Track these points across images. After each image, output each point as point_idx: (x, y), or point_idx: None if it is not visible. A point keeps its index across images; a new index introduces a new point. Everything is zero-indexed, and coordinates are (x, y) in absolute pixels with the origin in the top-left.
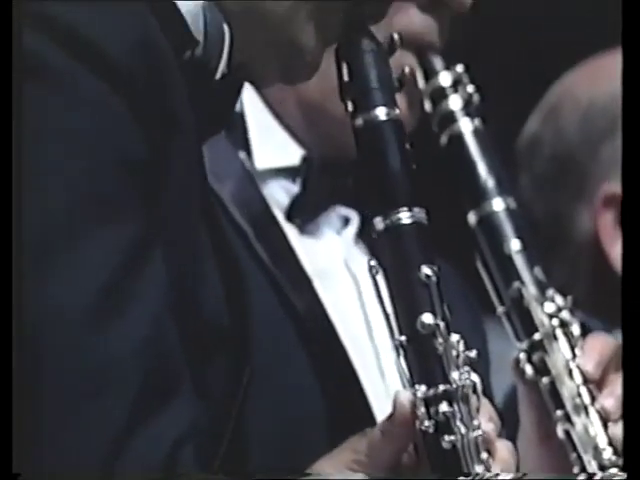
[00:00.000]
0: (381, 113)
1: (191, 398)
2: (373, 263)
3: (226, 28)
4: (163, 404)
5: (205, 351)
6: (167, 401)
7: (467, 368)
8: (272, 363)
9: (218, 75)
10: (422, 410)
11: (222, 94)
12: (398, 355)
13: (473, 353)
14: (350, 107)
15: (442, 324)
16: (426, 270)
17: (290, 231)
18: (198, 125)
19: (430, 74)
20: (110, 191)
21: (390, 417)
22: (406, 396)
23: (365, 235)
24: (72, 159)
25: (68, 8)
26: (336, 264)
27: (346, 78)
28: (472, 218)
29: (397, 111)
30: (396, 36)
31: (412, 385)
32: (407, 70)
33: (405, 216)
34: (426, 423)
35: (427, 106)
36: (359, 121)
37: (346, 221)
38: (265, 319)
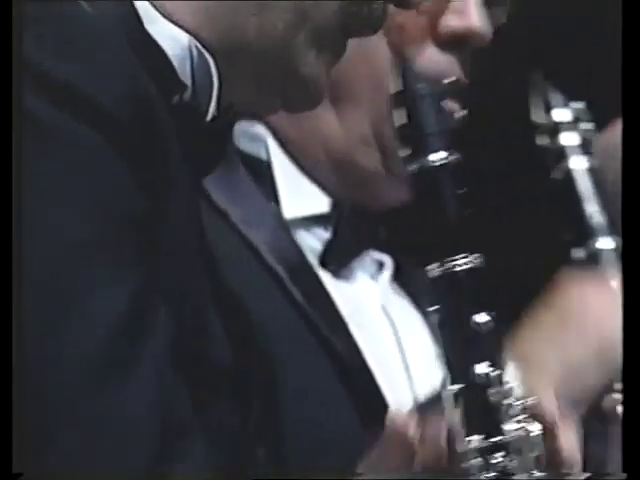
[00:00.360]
0: (436, 158)
1: (204, 451)
2: (431, 310)
3: (214, 70)
4: (177, 458)
5: (214, 395)
6: (180, 454)
7: (524, 416)
8: (311, 404)
9: (209, 117)
10: (478, 461)
11: (213, 136)
12: (455, 403)
13: (531, 399)
14: (405, 152)
15: (496, 373)
16: (480, 318)
17: (325, 277)
18: (192, 170)
19: (547, 108)
20: (110, 243)
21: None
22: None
23: (400, 279)
24: (72, 211)
25: (55, 61)
26: (373, 309)
27: (401, 123)
28: (578, 254)
29: (454, 155)
30: (453, 78)
31: (467, 435)
32: (460, 114)
33: (461, 262)
34: (482, 476)
35: (542, 140)
36: (414, 166)
37: (380, 265)
38: (303, 361)
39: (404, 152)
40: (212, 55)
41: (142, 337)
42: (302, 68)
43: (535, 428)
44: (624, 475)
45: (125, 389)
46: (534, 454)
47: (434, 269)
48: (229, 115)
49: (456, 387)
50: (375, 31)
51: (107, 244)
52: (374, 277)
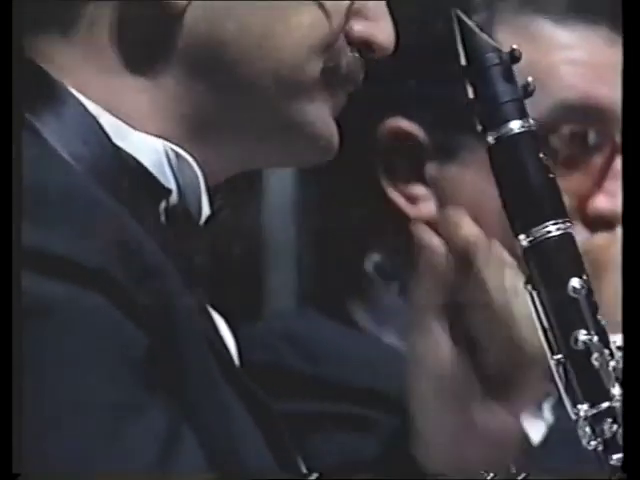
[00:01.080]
0: (514, 126)
1: None
2: (526, 281)
3: (197, 168)
4: None
5: None
6: None
7: None
8: None
9: (202, 219)
10: (587, 430)
11: (210, 240)
12: (559, 375)
13: None
14: (479, 126)
15: (596, 338)
16: (575, 283)
17: None
18: (193, 285)
19: None
20: (124, 392)
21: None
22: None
23: None
24: (81, 371)
25: (38, 233)
26: None
27: (471, 96)
28: None
29: (530, 121)
30: (516, 46)
31: (575, 405)
32: (531, 79)
33: (553, 229)
34: (592, 443)
35: None
36: (491, 139)
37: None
38: None
39: (479, 126)
40: (192, 155)
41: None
42: (301, 124)
43: None
44: (624, 475)
45: None
46: None
47: (524, 240)
48: (223, 213)
49: (559, 357)
50: (356, 85)
51: (121, 392)
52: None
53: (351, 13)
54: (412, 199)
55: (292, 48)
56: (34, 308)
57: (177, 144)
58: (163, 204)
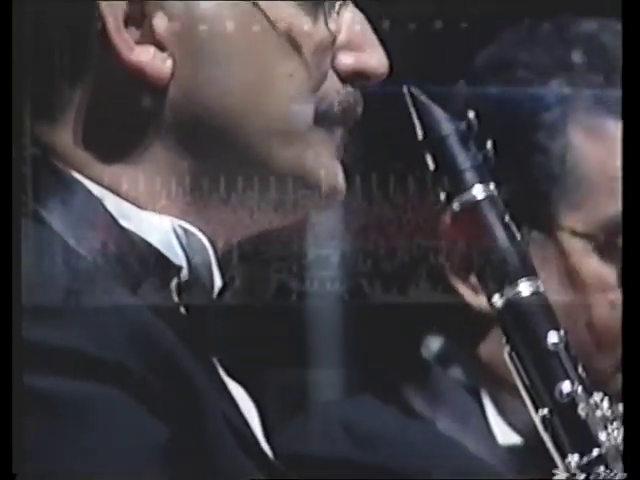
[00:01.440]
0: (477, 192)
1: None
2: (503, 341)
3: (207, 243)
4: None
5: None
6: None
7: (617, 424)
8: None
9: (215, 293)
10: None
11: (222, 314)
12: (546, 429)
13: (620, 407)
14: (442, 196)
15: (580, 388)
16: (553, 337)
17: None
18: (211, 369)
19: None
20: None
21: None
22: None
23: None
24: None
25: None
26: None
27: (432, 168)
28: None
29: (492, 186)
30: (472, 114)
31: (564, 457)
32: (489, 144)
33: (524, 287)
34: None
35: None
36: (456, 206)
37: None
38: None
39: (442, 195)
40: (199, 227)
41: None
42: (300, 176)
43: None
44: (624, 475)
45: None
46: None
47: (498, 300)
48: (236, 285)
49: (544, 412)
50: (355, 120)
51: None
52: None
53: (336, 49)
54: (477, 289)
55: (278, 101)
56: (48, 406)
57: (181, 217)
58: (175, 281)
